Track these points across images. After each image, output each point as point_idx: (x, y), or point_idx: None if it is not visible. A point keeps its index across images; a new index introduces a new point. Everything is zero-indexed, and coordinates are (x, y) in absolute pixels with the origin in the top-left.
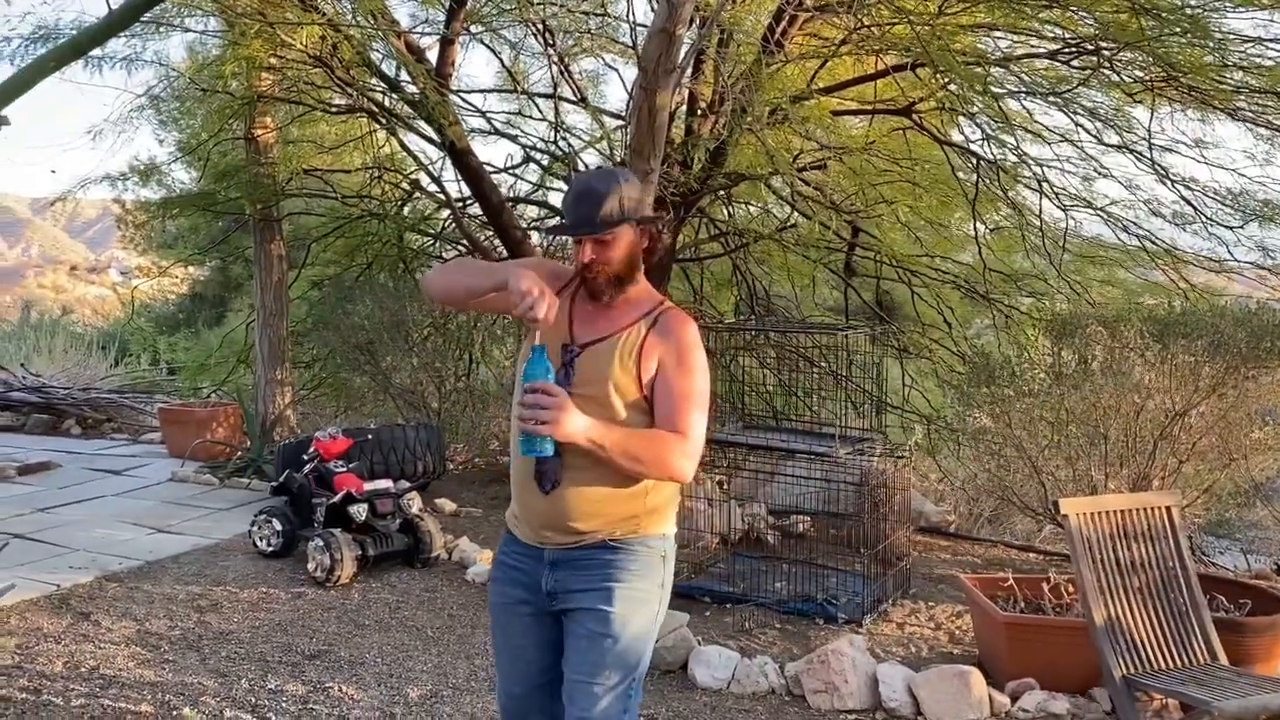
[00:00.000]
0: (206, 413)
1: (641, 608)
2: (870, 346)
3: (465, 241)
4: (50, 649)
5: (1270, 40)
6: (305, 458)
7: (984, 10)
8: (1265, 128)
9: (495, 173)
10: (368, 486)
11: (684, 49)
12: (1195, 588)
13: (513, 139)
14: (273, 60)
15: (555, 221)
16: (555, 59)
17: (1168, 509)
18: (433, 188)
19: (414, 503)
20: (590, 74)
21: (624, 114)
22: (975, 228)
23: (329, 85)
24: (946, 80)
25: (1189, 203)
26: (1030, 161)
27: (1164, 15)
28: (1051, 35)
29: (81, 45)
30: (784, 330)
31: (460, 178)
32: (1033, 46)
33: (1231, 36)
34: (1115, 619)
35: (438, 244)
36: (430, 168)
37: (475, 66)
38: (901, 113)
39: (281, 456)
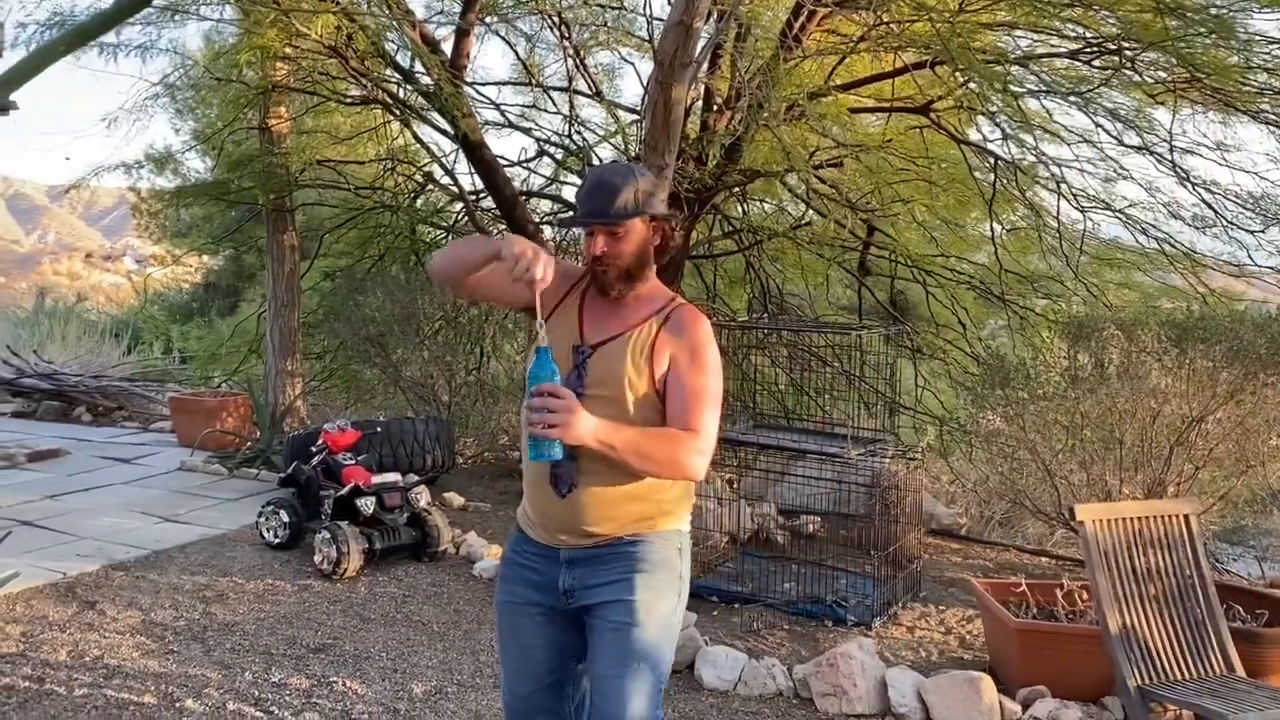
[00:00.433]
0: (216, 402)
1: (663, 597)
2: (884, 346)
3: (479, 235)
4: (55, 637)
5: None
6: (314, 449)
7: (1005, 8)
8: None
9: (509, 166)
10: (375, 479)
11: (701, 43)
12: (1212, 597)
13: (526, 132)
14: (287, 50)
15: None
16: (571, 52)
17: (1185, 517)
18: (446, 180)
19: (422, 496)
20: (606, 68)
21: (639, 109)
22: (992, 228)
23: (343, 76)
24: (965, 79)
25: (1209, 206)
26: (1048, 162)
27: (1189, 15)
28: (1073, 34)
29: (90, 31)
30: (796, 329)
31: (474, 171)
32: (1053, 46)
33: (1257, 38)
34: (1130, 627)
35: (450, 237)
36: (443, 160)
37: (490, 59)
38: (919, 111)
39: (290, 448)
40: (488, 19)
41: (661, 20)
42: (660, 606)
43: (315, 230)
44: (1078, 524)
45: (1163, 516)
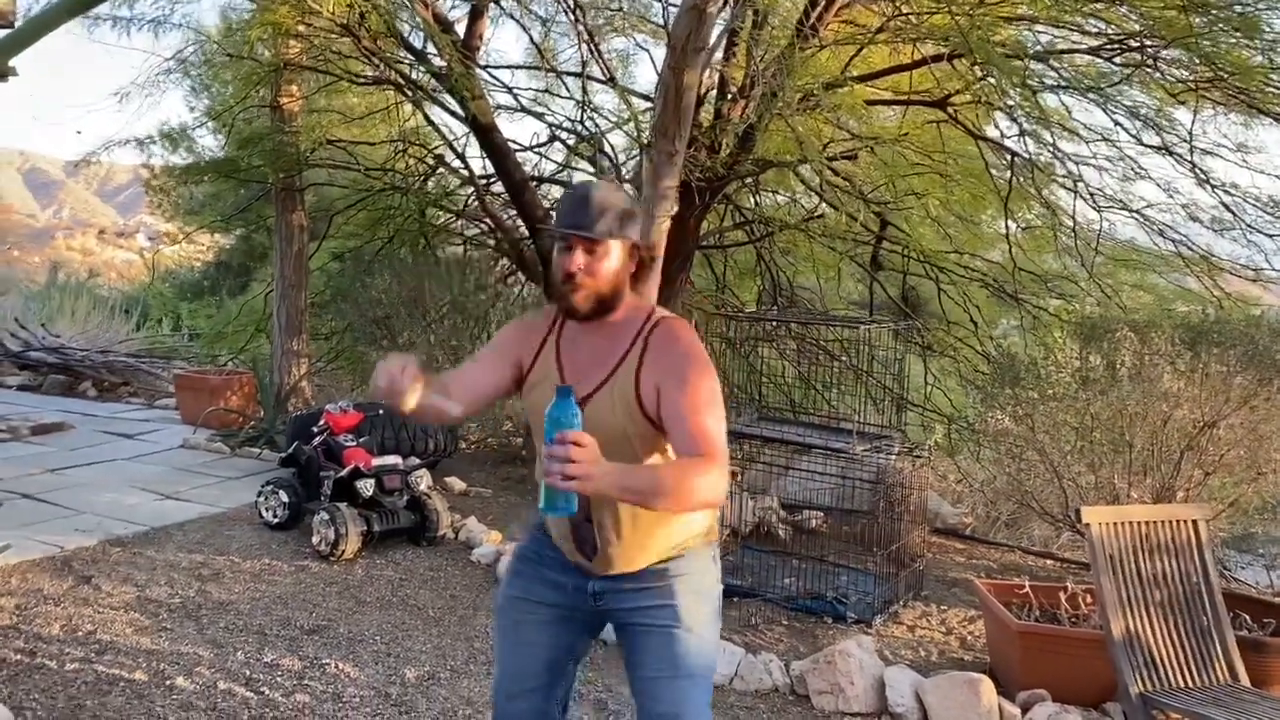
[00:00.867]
0: (221, 380)
1: (704, 602)
2: (893, 342)
3: (488, 219)
4: (49, 611)
5: None
6: (315, 430)
7: (1027, 2)
8: None
9: (520, 151)
10: (376, 462)
11: (716, 29)
12: (1219, 605)
13: (539, 117)
14: (300, 27)
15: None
16: (585, 36)
17: (1194, 522)
18: (456, 163)
19: (422, 480)
20: (620, 53)
21: (653, 95)
22: (1006, 225)
23: (355, 55)
24: (984, 73)
25: (1228, 208)
26: (1066, 159)
27: (1213, 12)
28: (1094, 30)
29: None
30: (805, 322)
31: (484, 154)
32: (1074, 42)
33: None
34: (1134, 633)
35: (459, 221)
36: (454, 143)
37: (504, 42)
38: (936, 105)
39: (292, 428)
40: (503, 1)
41: (676, 6)
42: (703, 610)
43: (325, 211)
44: (1084, 526)
45: (1171, 521)
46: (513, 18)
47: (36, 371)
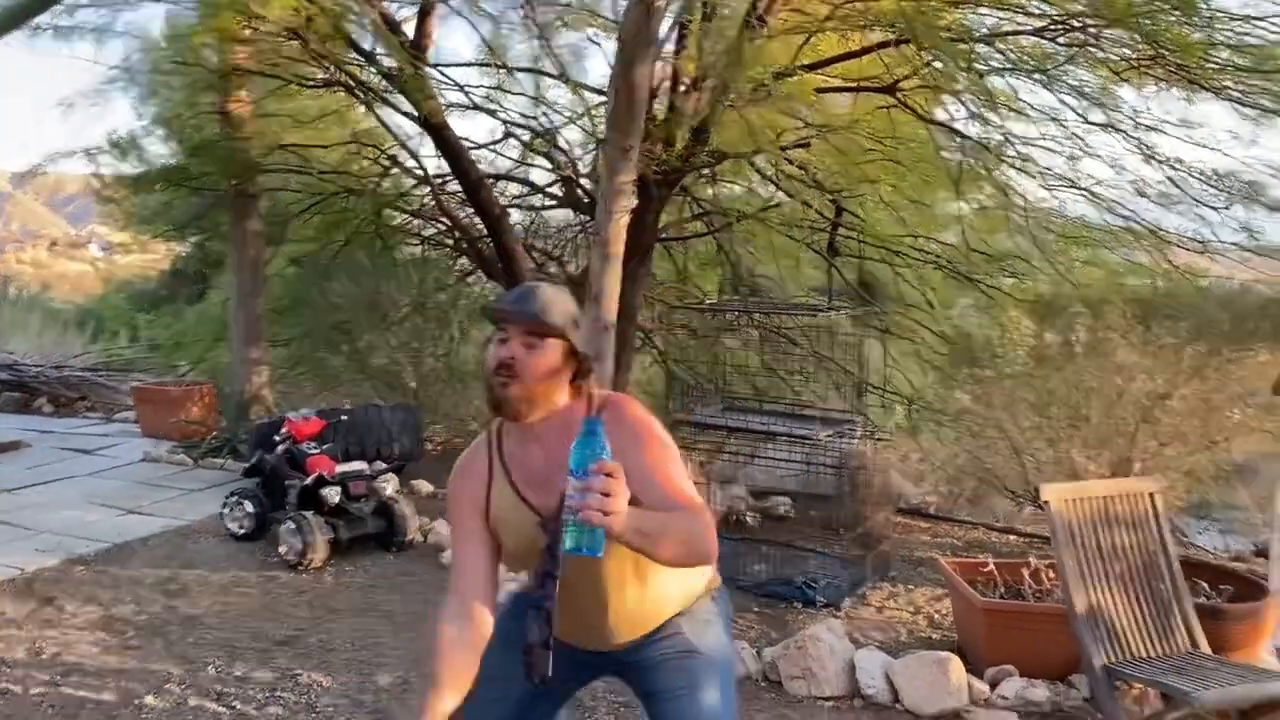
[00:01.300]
0: (181, 392)
1: (711, 627)
2: (853, 327)
3: (445, 218)
4: (11, 635)
5: (1259, 18)
6: (278, 439)
7: None
8: (1252, 108)
9: (475, 149)
10: (341, 468)
11: (666, 22)
12: (1178, 575)
13: (492, 114)
14: (246, 33)
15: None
16: (536, 31)
17: (1151, 495)
18: (411, 163)
19: (389, 484)
20: (573, 48)
21: (606, 90)
22: (959, 207)
23: (304, 58)
24: (931, 57)
25: (1174, 183)
26: (1015, 140)
27: None
28: (1038, 12)
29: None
30: (767, 311)
31: (439, 153)
32: (1019, 24)
33: (1219, 14)
34: (1096, 607)
35: (416, 220)
36: (408, 143)
37: (456, 40)
38: (886, 90)
39: (254, 437)
40: None
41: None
42: (712, 631)
43: (281, 216)
44: (1044, 504)
45: (1128, 495)
46: (461, 15)
47: None
